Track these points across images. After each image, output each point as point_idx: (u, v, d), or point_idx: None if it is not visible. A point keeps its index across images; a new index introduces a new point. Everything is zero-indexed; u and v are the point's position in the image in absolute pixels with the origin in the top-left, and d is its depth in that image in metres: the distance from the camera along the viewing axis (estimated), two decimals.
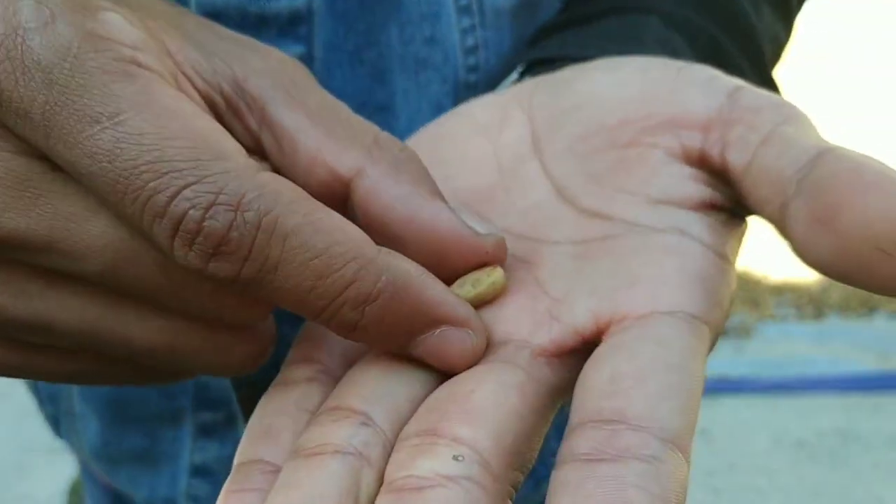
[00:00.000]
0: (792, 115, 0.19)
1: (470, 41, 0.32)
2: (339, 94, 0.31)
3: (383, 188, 0.20)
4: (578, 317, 0.19)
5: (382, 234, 0.20)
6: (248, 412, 0.36)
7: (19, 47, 0.17)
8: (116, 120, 0.17)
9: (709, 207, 0.20)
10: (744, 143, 0.19)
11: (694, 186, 0.20)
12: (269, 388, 0.20)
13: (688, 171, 0.20)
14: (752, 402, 1.89)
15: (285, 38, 0.30)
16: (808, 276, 2.05)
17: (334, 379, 0.20)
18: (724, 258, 0.20)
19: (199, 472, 0.38)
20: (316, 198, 0.20)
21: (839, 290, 2.18)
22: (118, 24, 0.18)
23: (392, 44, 0.31)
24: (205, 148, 0.17)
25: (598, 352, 0.18)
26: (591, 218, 0.21)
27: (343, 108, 0.21)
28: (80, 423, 0.39)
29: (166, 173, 0.17)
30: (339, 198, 0.21)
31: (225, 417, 0.36)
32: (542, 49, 0.30)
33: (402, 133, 0.32)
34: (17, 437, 1.65)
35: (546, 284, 0.20)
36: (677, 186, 0.20)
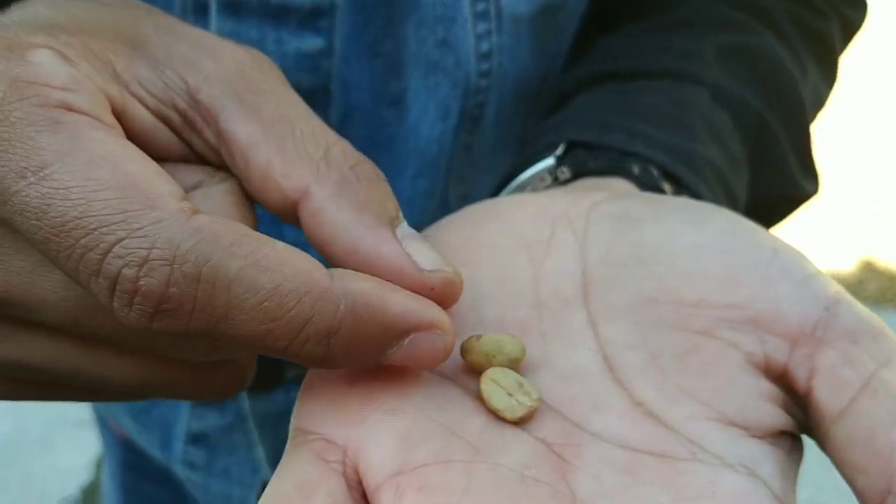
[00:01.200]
0: (892, 354, 0.17)
1: (485, 46, 0.31)
2: (356, 85, 0.30)
3: (327, 213, 0.19)
4: None
5: (329, 259, 0.19)
6: (252, 384, 0.35)
7: None
8: (42, 174, 0.16)
9: (779, 435, 0.18)
10: (838, 381, 0.17)
11: (771, 411, 0.18)
12: None
13: (766, 387, 0.18)
14: None
15: (305, 31, 0.29)
16: (842, 266, 2.00)
17: None
18: None
19: (196, 439, 0.37)
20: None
21: (875, 281, 2.13)
22: (47, 65, 0.17)
23: (408, 38, 0.30)
24: (134, 197, 0.16)
25: None
26: (646, 416, 0.18)
27: (299, 114, 0.20)
28: None
29: (95, 229, 0.15)
30: (295, 214, 0.19)
31: None
32: (581, 126, 0.28)
33: (412, 128, 0.32)
34: (44, 411, 1.68)
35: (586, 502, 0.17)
36: (754, 408, 0.18)
